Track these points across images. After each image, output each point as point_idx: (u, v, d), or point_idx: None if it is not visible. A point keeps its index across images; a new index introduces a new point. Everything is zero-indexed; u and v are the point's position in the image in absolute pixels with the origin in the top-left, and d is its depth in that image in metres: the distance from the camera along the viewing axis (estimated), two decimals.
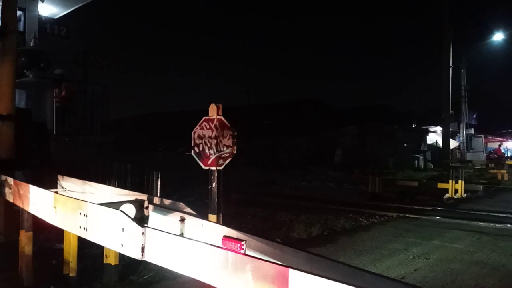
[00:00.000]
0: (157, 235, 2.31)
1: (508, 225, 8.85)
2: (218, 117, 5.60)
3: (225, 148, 5.69)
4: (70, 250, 4.51)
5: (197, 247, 2.11)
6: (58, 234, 4.98)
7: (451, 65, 26.13)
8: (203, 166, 5.65)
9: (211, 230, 2.69)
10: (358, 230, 8.39)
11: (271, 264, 1.85)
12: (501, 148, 39.55)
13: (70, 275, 4.56)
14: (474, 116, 38.23)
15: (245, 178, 15.79)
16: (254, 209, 9.83)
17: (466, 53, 31.55)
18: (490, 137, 42.35)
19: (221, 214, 5.37)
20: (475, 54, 33.45)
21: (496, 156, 34.59)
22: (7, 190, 4.15)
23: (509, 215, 9.74)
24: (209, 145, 5.68)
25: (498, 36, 30.41)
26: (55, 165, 6.94)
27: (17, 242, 4.50)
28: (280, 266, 1.80)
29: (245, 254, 1.96)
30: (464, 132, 32.99)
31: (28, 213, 3.99)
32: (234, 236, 2.26)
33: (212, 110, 5.62)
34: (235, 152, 5.65)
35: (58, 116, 10.62)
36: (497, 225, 8.85)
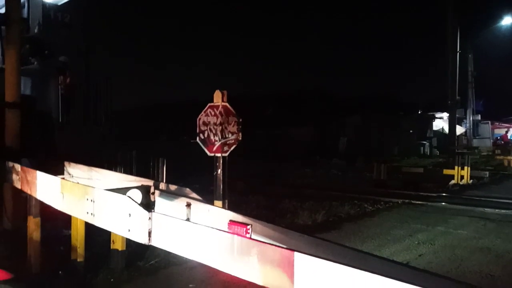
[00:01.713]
0: (164, 220, 2.32)
1: None
2: (223, 103, 5.60)
3: (230, 135, 5.70)
4: (78, 236, 4.56)
5: (203, 231, 2.12)
6: (65, 221, 5.02)
7: (458, 50, 25.79)
8: (208, 153, 5.67)
9: (217, 215, 2.70)
10: (362, 217, 8.41)
11: (276, 248, 1.86)
12: (508, 134, 39.34)
13: (78, 260, 4.62)
14: (481, 102, 37.92)
15: (249, 167, 15.81)
16: (258, 197, 9.86)
17: (473, 38, 31.15)
18: (497, 123, 42.02)
19: (226, 201, 5.41)
20: (482, 39, 32.98)
21: (502, 142, 34.42)
22: (14, 176, 4.19)
23: None
24: (214, 132, 5.69)
25: (507, 21, 29.94)
26: (60, 153, 6.98)
27: (25, 229, 4.55)
28: (285, 250, 1.81)
29: (251, 238, 1.98)
30: (471, 118, 32.79)
31: (36, 199, 4.03)
32: (240, 221, 2.28)
33: (217, 96, 5.61)
34: (240, 138, 5.66)
35: (63, 104, 10.63)
36: (502, 211, 8.84)
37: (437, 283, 1.67)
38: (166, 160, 7.35)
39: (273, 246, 1.88)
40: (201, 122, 5.71)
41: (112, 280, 4.59)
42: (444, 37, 26.31)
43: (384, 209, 9.23)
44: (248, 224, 2.07)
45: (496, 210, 8.93)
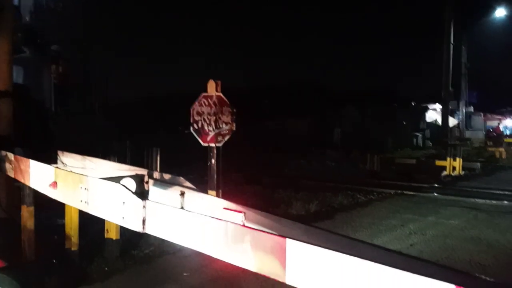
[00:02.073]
0: (158, 208, 2.34)
1: (505, 202, 8.96)
2: (217, 93, 5.59)
3: (224, 125, 5.70)
4: (72, 225, 4.57)
5: (197, 219, 2.14)
6: (59, 210, 5.04)
7: (452, 42, 25.85)
8: (202, 143, 5.67)
9: (210, 204, 2.73)
10: (355, 207, 8.49)
11: (269, 234, 1.89)
12: (500, 126, 39.62)
13: (72, 249, 4.64)
14: (475, 94, 38.08)
15: (244, 158, 15.83)
16: (253, 188, 9.91)
17: (468, 30, 31.20)
18: (490, 115, 42.28)
19: (220, 191, 5.43)
20: (476, 31, 33.09)
21: (495, 134, 34.69)
22: (7, 165, 4.17)
23: (506, 192, 9.84)
24: (208, 122, 5.69)
25: (500, 12, 30.04)
26: (54, 143, 6.95)
27: (19, 218, 4.55)
28: (278, 237, 1.84)
29: (244, 226, 2.00)
30: (464, 110, 32.94)
31: (30, 188, 4.03)
32: (233, 209, 2.30)
33: (211, 86, 5.60)
34: (234, 129, 5.67)
35: (56, 94, 10.57)
36: (493, 202, 8.95)
37: (427, 269, 1.71)
38: (162, 152, 7.35)
39: (266, 233, 1.91)
40: (194, 112, 5.70)
41: (106, 268, 4.62)
42: (438, 30, 26.38)
43: (376, 199, 9.32)
44: (242, 212, 2.09)
45: (487, 201, 9.04)
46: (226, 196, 5.17)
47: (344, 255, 1.62)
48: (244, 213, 2.10)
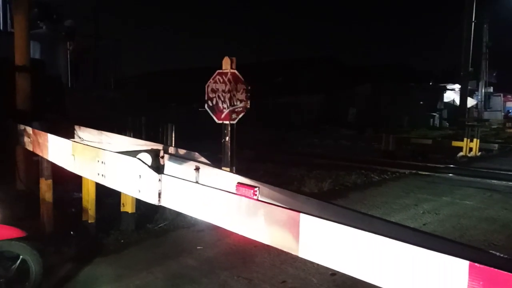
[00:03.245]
0: (173, 181, 2.38)
1: None
2: (232, 70, 5.56)
3: (238, 102, 5.69)
4: (89, 198, 4.67)
5: (212, 193, 2.17)
6: (76, 184, 5.15)
7: (473, 20, 25.07)
8: (216, 120, 5.68)
9: (225, 178, 2.75)
10: (369, 186, 8.47)
11: (283, 209, 1.91)
12: None
13: (89, 221, 4.75)
14: (494, 74, 37.13)
15: (257, 136, 15.85)
16: (266, 165, 9.94)
17: (489, 7, 30.21)
18: (510, 96, 41.26)
19: (234, 167, 5.47)
20: (498, 8, 31.98)
21: None
22: (26, 139, 4.26)
23: None
24: (222, 99, 5.68)
25: None
26: (70, 118, 7.05)
27: (38, 190, 4.67)
28: (291, 211, 1.85)
29: (258, 200, 2.02)
30: (483, 91, 32.24)
31: (48, 161, 4.11)
32: (247, 183, 2.32)
33: (226, 63, 5.57)
34: (248, 106, 5.65)
35: (72, 69, 10.65)
36: (510, 183, 8.83)
37: (441, 245, 1.71)
38: (175, 127, 7.39)
39: (280, 208, 1.92)
40: (209, 89, 5.69)
41: (122, 241, 4.73)
42: (460, 6, 25.56)
43: (390, 179, 9.27)
44: (256, 187, 2.11)
45: (504, 182, 8.92)
46: (239, 173, 5.21)
47: (357, 230, 1.62)
48: (258, 187, 2.11)
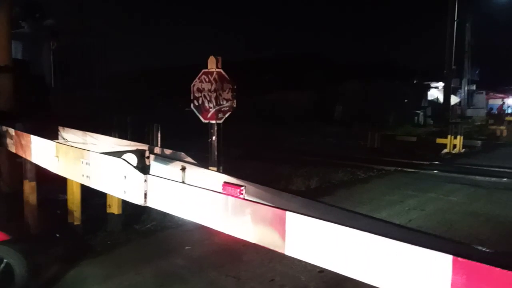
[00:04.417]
0: (159, 181, 2.36)
1: (504, 179, 9.00)
2: (217, 70, 5.55)
3: (224, 102, 5.68)
4: (74, 199, 4.62)
5: (198, 192, 2.16)
6: (61, 186, 5.08)
7: (456, 19, 25.45)
8: (202, 120, 5.67)
9: (211, 178, 2.74)
10: (355, 183, 8.55)
11: (269, 207, 1.91)
12: (503, 105, 39.32)
13: (75, 223, 4.70)
14: (477, 72, 37.70)
15: (245, 133, 15.85)
16: (253, 163, 9.95)
17: (471, 7, 30.67)
18: (492, 93, 41.96)
19: (221, 167, 5.46)
20: (481, 7, 32.52)
21: (497, 112, 34.52)
22: (9, 140, 4.19)
23: (505, 170, 9.88)
24: (208, 99, 5.66)
25: None
26: (55, 118, 6.95)
27: (22, 192, 4.60)
28: (277, 209, 1.86)
29: (244, 199, 2.02)
30: (466, 88, 32.73)
31: (31, 163, 4.05)
32: (234, 183, 2.32)
33: (211, 62, 5.56)
34: (235, 105, 5.65)
35: (56, 68, 10.51)
36: (493, 179, 9.00)
37: (424, 240, 1.73)
38: (162, 127, 7.36)
39: (266, 206, 1.93)
40: (195, 88, 5.67)
41: (109, 242, 4.69)
42: (444, 5, 25.91)
43: (376, 176, 9.37)
44: (242, 186, 2.11)
45: (487, 178, 9.08)
46: (226, 172, 5.21)
47: (342, 226, 1.63)
48: (245, 186, 2.12)
